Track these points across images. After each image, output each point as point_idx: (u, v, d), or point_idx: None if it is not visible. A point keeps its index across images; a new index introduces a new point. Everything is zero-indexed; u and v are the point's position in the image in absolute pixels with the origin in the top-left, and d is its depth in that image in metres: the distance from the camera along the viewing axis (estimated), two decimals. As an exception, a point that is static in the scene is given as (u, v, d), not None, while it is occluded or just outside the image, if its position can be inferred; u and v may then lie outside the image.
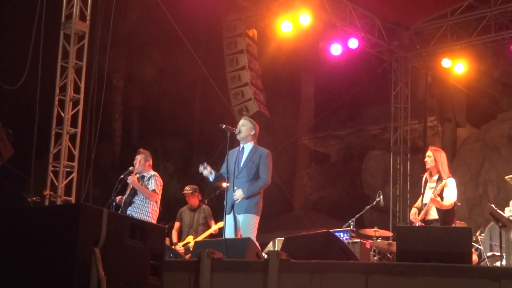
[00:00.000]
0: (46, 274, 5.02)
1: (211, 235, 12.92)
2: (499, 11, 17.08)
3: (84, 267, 4.96)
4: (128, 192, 10.78)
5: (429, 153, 10.30)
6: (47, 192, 12.62)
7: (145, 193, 10.69)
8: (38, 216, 5.35)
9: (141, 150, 11.20)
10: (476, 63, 18.73)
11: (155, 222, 10.55)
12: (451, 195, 9.95)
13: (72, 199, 12.79)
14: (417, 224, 9.94)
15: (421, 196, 10.27)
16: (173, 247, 12.68)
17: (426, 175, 10.36)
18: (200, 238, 12.65)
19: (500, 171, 18.44)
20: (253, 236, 9.09)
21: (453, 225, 10.10)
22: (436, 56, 18.55)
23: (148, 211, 10.71)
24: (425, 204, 10.01)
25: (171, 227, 13.61)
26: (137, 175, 10.91)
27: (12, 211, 5.57)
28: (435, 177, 10.14)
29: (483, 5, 17.26)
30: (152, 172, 10.94)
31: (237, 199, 9.27)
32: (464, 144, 21.77)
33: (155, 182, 10.79)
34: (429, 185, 10.21)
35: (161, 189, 10.91)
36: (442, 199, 9.86)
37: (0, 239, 5.25)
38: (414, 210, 10.23)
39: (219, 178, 9.54)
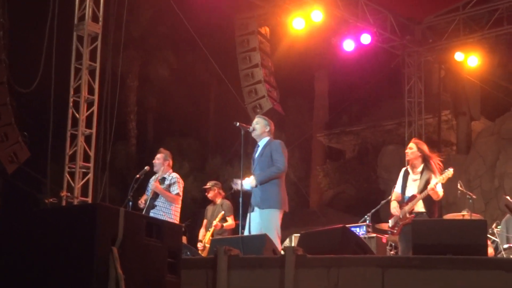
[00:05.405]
0: (65, 274, 5.05)
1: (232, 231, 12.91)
2: (511, 4, 17.03)
3: (102, 266, 4.99)
4: (150, 196, 10.88)
5: (410, 145, 10.11)
6: (64, 193, 12.68)
7: (168, 197, 10.81)
8: (56, 217, 5.37)
9: (162, 149, 11.30)
10: (489, 56, 18.68)
11: (177, 222, 10.66)
12: (441, 186, 9.91)
13: (89, 199, 12.86)
14: (400, 216, 9.88)
15: (401, 189, 10.06)
16: (198, 243, 12.79)
17: (407, 167, 10.15)
18: (208, 234, 12.66)
19: (516, 164, 18.42)
20: (274, 230, 8.99)
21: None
22: (449, 50, 18.53)
23: (171, 213, 10.84)
24: (412, 196, 9.85)
25: (188, 226, 13.67)
26: (156, 175, 11.01)
27: (30, 213, 5.62)
28: (419, 169, 9.97)
29: (495, -2, 17.25)
30: (174, 175, 11.02)
31: (246, 184, 9.26)
32: (479, 137, 21.67)
33: (178, 186, 10.92)
34: (411, 177, 9.98)
35: (183, 190, 11.05)
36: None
37: (19, 240, 5.29)
38: (394, 204, 10.01)
39: None
